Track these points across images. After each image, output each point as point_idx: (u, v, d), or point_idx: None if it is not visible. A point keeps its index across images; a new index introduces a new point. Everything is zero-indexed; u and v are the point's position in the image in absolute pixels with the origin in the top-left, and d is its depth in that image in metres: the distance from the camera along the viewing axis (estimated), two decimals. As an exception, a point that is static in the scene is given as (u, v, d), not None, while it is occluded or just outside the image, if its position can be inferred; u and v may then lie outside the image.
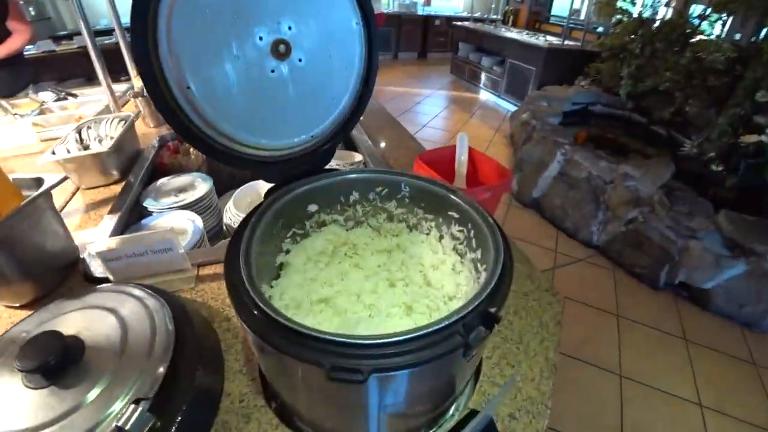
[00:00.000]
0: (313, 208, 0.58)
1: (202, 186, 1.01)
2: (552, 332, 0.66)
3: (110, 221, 0.89)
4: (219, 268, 0.76)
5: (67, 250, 0.77)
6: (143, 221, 0.91)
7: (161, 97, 0.43)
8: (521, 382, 0.58)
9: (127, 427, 0.38)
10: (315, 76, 0.51)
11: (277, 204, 0.52)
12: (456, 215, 0.55)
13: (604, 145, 2.81)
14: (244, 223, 0.49)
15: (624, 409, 1.54)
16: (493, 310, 0.37)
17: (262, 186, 1.05)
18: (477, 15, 6.65)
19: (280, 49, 0.47)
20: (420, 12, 6.59)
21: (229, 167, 1.15)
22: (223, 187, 1.22)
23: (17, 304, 0.70)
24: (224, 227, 1.05)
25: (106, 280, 0.72)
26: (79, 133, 1.12)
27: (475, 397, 0.55)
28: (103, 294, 0.57)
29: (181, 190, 1.01)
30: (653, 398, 1.59)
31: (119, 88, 1.79)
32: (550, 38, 4.30)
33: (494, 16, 6.43)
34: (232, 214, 0.94)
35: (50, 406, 0.42)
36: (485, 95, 4.98)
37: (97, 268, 0.75)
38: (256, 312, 0.37)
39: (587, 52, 3.73)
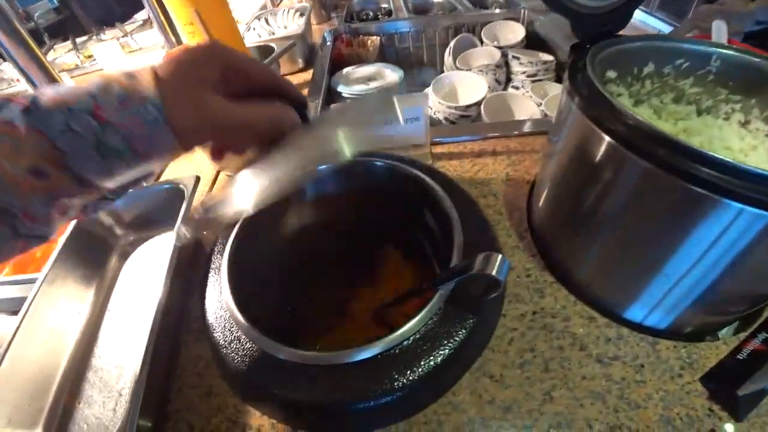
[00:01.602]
0: (611, 74, 0.50)
1: (391, 75, 0.98)
2: None
3: (313, 103, 0.90)
4: (447, 147, 0.73)
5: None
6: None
7: None
8: None
9: (493, 272, 0.36)
10: None
11: (596, 58, 0.45)
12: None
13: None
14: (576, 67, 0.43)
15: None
16: None
17: (456, 77, 1.00)
18: None
19: None
20: None
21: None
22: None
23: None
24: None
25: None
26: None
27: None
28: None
29: (370, 78, 0.98)
30: None
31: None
32: (734, -71, 3.36)
33: None
34: (433, 102, 0.90)
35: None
36: (628, 11, 4.19)
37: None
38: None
39: (793, -56, 2.86)
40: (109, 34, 1.88)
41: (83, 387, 0.47)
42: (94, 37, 1.87)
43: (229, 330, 0.43)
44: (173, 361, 0.48)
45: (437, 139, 0.73)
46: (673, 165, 0.31)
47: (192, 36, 0.61)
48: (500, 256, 0.37)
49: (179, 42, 0.67)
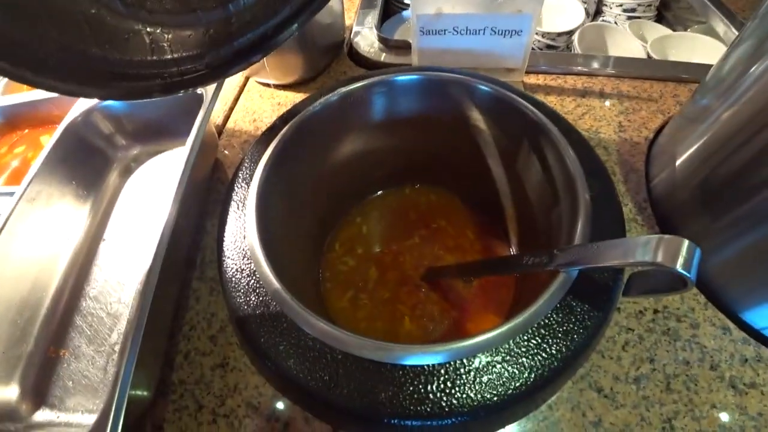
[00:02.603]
0: None
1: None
2: None
3: (370, 12, 0.72)
4: (542, 78, 0.57)
5: (335, 27, 0.63)
6: (403, 13, 0.74)
7: None
8: None
9: (678, 268, 0.23)
10: None
11: None
12: None
13: None
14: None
15: None
16: None
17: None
18: None
19: None
20: None
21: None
22: None
23: (279, 82, 0.60)
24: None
25: (382, 65, 0.59)
26: None
27: None
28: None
29: (438, -13, 0.79)
30: None
31: None
32: None
33: None
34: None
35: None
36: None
37: (373, 53, 0.62)
38: None
39: None
40: None
41: (70, 334, 0.37)
42: None
43: (254, 290, 0.32)
44: (180, 315, 0.37)
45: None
46: None
47: None
48: (687, 243, 0.23)
49: None
